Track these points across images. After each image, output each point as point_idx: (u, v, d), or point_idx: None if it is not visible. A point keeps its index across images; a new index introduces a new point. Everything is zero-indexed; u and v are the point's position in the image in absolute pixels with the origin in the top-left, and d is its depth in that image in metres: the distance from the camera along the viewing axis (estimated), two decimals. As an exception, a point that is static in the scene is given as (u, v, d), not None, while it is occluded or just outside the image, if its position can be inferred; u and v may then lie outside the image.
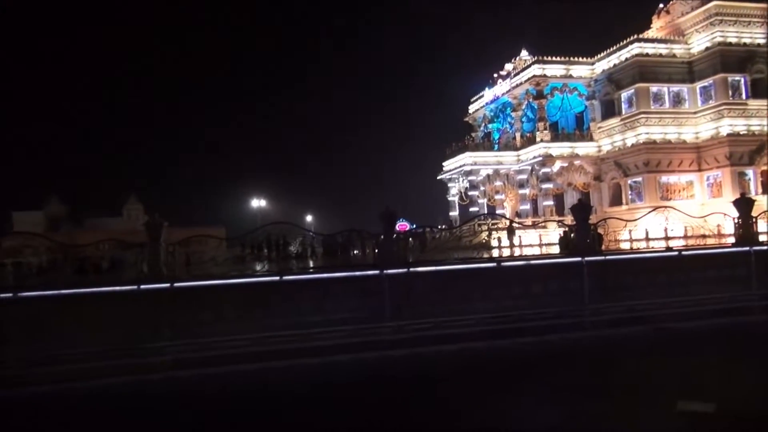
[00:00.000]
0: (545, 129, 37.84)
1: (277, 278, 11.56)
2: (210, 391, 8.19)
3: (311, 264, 21.41)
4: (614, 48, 35.86)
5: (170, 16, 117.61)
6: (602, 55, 36.89)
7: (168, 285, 10.46)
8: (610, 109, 36.63)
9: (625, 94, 35.18)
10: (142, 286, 10.40)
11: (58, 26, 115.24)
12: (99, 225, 69.70)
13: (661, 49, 34.47)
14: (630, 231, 22.50)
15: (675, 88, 34.28)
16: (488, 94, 44.46)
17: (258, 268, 20.14)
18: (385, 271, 11.49)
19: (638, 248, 21.35)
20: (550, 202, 37.64)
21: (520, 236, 27.89)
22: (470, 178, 40.94)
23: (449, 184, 44.48)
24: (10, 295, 10.17)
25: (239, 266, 20.82)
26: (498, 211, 41.41)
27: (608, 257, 13.75)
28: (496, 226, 30.71)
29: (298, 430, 6.37)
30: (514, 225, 27.21)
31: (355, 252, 23.60)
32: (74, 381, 8.54)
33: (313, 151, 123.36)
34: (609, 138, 36.63)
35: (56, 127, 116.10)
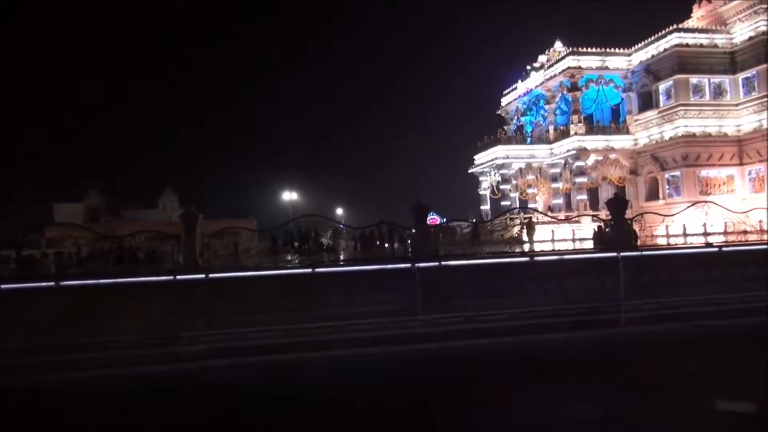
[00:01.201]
0: (579, 122, 37.17)
1: (309, 270, 11.63)
2: (244, 380, 8.35)
3: (342, 256, 21.53)
4: (652, 38, 34.93)
5: (204, 11, 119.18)
6: (640, 45, 35.98)
7: (203, 276, 10.64)
8: (647, 102, 35.74)
9: (663, 86, 34.27)
10: (178, 277, 10.61)
11: (97, 20, 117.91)
12: (136, 217, 71.39)
13: (702, 39, 33.43)
14: (667, 226, 21.98)
15: (716, 79, 33.22)
16: (521, 86, 43.86)
17: (289, 259, 20.39)
18: (416, 265, 11.48)
19: (675, 244, 20.85)
20: (584, 197, 37.00)
21: (552, 230, 27.56)
22: (502, 171, 40.51)
23: (480, 178, 44.13)
24: (53, 283, 10.52)
25: (271, 258, 21.10)
26: (530, 205, 40.88)
27: (645, 253, 13.44)
28: (527, 221, 30.36)
29: (330, 420, 6.44)
30: (534, 220, 26.85)
31: (386, 245, 23.65)
32: (113, 368, 8.83)
33: (343, 144, 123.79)
34: (646, 131, 35.77)
35: (94, 121, 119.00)
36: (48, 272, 17.58)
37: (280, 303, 10.77)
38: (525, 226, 24.73)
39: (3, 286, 10.95)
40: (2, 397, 7.87)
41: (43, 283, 10.80)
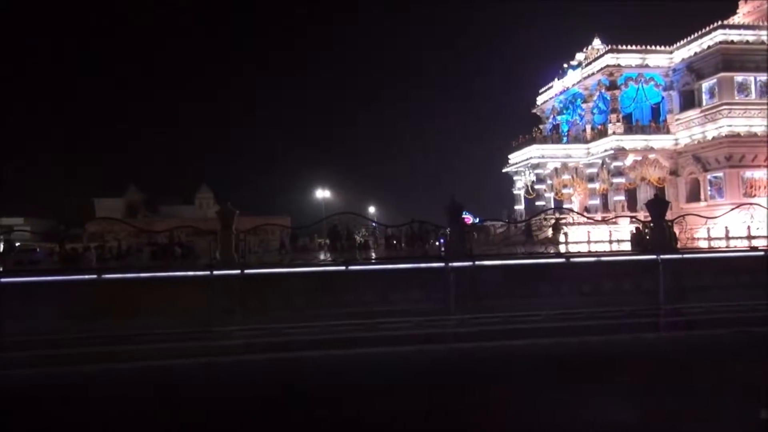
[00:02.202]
0: (618, 121, 36.33)
1: (343, 268, 11.69)
2: (278, 376, 8.45)
3: (374, 254, 21.56)
4: (695, 35, 33.92)
5: (245, 10, 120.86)
6: (682, 43, 34.98)
7: (239, 271, 10.79)
8: (689, 100, 34.73)
9: (706, 84, 33.25)
10: (215, 272, 10.78)
11: (138, 19, 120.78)
12: (172, 212, 73.00)
13: (748, 35, 32.29)
14: (708, 229, 21.32)
15: (763, 77, 32.03)
16: (557, 85, 43.14)
17: (322, 257, 20.52)
18: (450, 264, 11.41)
19: (718, 247, 20.22)
20: (622, 197, 36.18)
21: (588, 231, 27.06)
22: (537, 171, 39.94)
23: (515, 178, 43.58)
24: (95, 276, 10.81)
25: (305, 255, 21.27)
26: (565, 206, 40.21)
27: (686, 255, 13.08)
28: (563, 221, 29.86)
29: (362, 418, 6.45)
30: (561, 221, 26.34)
31: (417, 243, 23.58)
32: (152, 360, 9.04)
33: (377, 142, 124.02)
34: (687, 131, 34.76)
35: (135, 119, 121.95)
36: (89, 265, 18.07)
37: (314, 300, 10.86)
38: (551, 228, 24.31)
39: (48, 278, 11.35)
40: (48, 385, 8.15)
41: (86, 276, 11.12)
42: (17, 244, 30.48)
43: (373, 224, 21.73)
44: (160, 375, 8.53)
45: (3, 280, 10.65)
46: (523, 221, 24.49)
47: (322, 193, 58.68)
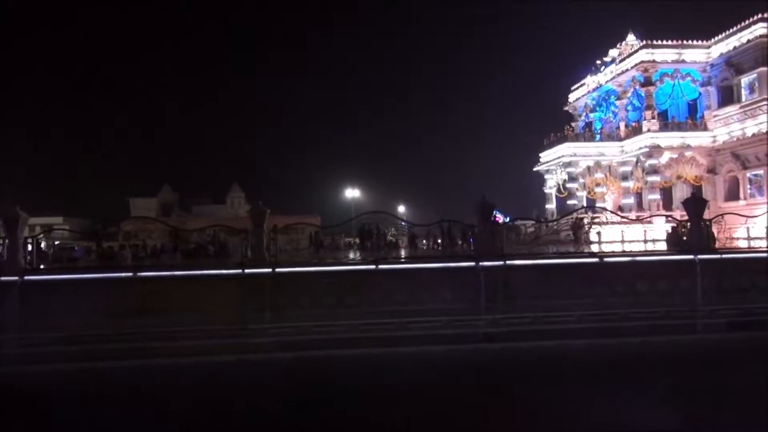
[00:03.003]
0: (653, 118, 35.52)
1: (373, 267, 11.69)
2: (310, 374, 8.52)
3: (403, 253, 21.53)
4: (734, 29, 32.92)
5: (267, 10, 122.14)
6: (720, 37, 34.00)
7: (270, 270, 10.89)
8: (728, 96, 33.75)
9: (746, 80, 32.25)
10: (246, 270, 10.90)
11: (171, 22, 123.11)
12: (205, 212, 74.21)
13: (790, 28, 31.21)
14: (748, 228, 20.66)
15: (805, 71, 30.95)
16: (590, 81, 42.41)
17: (351, 256, 20.58)
18: (480, 263, 11.32)
19: (758, 247, 19.57)
20: (657, 196, 35.36)
21: (622, 231, 26.49)
22: (569, 169, 39.34)
23: (546, 176, 43.00)
24: (131, 274, 11.05)
25: (334, 254, 21.38)
26: (598, 205, 39.50)
27: (724, 255, 12.69)
28: (596, 220, 29.32)
29: (393, 417, 6.44)
30: (584, 221, 25.74)
31: (445, 243, 23.45)
32: (186, 357, 9.22)
33: (406, 141, 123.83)
34: (726, 127, 33.78)
35: (168, 120, 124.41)
36: (125, 263, 18.48)
37: (344, 298, 10.90)
38: (572, 228, 23.72)
39: (86, 276, 11.65)
40: (89, 379, 8.39)
41: (122, 274, 11.38)
42: (56, 242, 31.42)
43: (403, 223, 21.66)
44: (195, 371, 8.70)
45: (44, 277, 10.98)
46: (554, 220, 24.12)
47: (352, 193, 58.93)
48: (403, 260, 15.07)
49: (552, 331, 10.31)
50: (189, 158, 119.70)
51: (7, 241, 10.75)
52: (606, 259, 12.51)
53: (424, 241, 24.52)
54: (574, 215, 26.99)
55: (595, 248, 21.45)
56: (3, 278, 10.29)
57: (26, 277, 10.38)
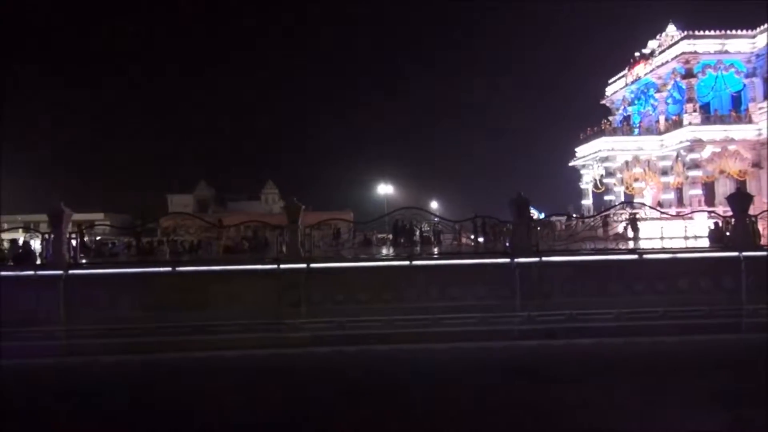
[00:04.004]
0: (695, 111, 34.47)
1: (407, 263, 11.68)
2: (345, 368, 8.58)
3: (436, 250, 21.42)
4: (781, 17, 31.69)
5: (302, 10, 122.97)
6: (766, 26, 32.78)
7: (305, 265, 10.99)
8: (774, 87, 32.55)
9: (794, 70, 31.03)
10: (282, 266, 11.02)
11: (215, 23, 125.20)
12: (240, 208, 75.34)
13: (842, 15, 29.88)
14: (796, 225, 19.88)
15: None
16: (628, 74, 41.41)
17: (384, 252, 20.59)
18: (515, 260, 11.19)
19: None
20: (698, 191, 34.34)
21: (661, 227, 25.80)
22: (606, 164, 38.52)
23: (582, 171, 42.22)
24: (170, 269, 11.30)
25: (368, 250, 21.43)
26: (636, 200, 38.62)
27: (772, 253, 12.22)
28: (634, 216, 28.64)
29: (430, 412, 6.43)
30: (638, 216, 25.11)
31: (480, 239, 23.22)
32: (224, 350, 9.39)
33: (439, 137, 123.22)
34: (772, 120, 32.60)
35: (205, 118, 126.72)
36: (164, 258, 18.90)
37: (378, 294, 10.91)
38: (629, 222, 23.16)
39: (127, 270, 11.96)
40: (133, 371, 8.64)
41: (161, 269, 11.64)
42: (98, 237, 32.36)
43: (436, 219, 21.55)
44: (233, 364, 8.86)
45: (86, 271, 11.32)
46: (591, 216, 23.66)
47: (385, 189, 58.98)
48: (436, 256, 14.99)
49: (589, 329, 10.15)
50: (224, 155, 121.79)
51: (52, 236, 11.10)
52: (645, 256, 12.20)
53: (460, 239, 24.34)
54: (612, 211, 26.43)
55: (632, 244, 20.95)
56: (48, 272, 10.64)
57: (70, 272, 10.70)
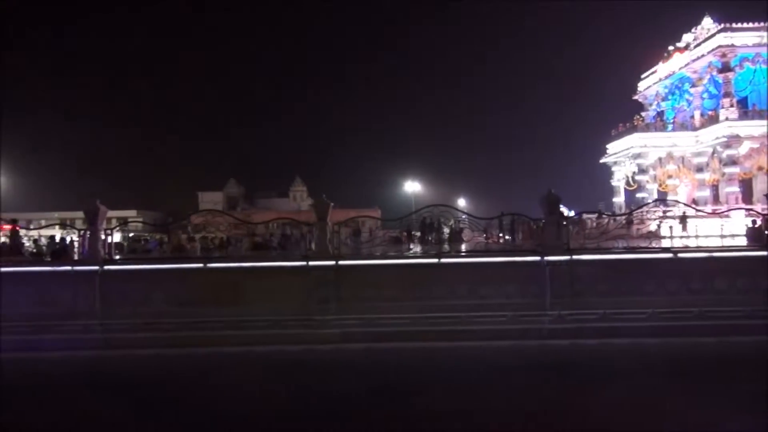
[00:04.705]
0: (731, 106, 33.60)
1: (435, 260, 11.63)
2: (375, 365, 8.60)
3: (464, 247, 21.32)
4: (824, 8, 30.63)
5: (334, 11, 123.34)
6: (808, 18, 31.73)
7: (333, 262, 11.03)
8: (816, 81, 31.49)
9: (837, 63, 29.99)
10: (311, 263, 11.09)
11: (247, 21, 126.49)
12: (268, 205, 76.21)
13: None
14: (839, 223, 19.18)
15: None
16: (662, 69, 40.53)
17: (412, 249, 20.54)
18: (545, 258, 11.05)
19: None
20: (735, 188, 33.49)
21: (696, 225, 25.20)
22: (639, 161, 37.83)
23: (614, 168, 41.58)
24: (201, 265, 11.47)
25: (396, 247, 21.41)
26: (670, 198, 37.81)
27: (814, 252, 11.81)
28: (667, 214, 28.03)
29: (460, 411, 6.39)
30: (687, 213, 24.60)
31: (507, 237, 23.01)
32: (255, 346, 9.51)
33: (468, 133, 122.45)
34: (814, 114, 31.55)
35: (235, 116, 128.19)
36: (195, 255, 19.20)
37: (407, 292, 10.89)
38: (680, 219, 22.71)
39: (160, 266, 12.18)
40: (168, 365, 8.82)
41: (193, 265, 11.82)
42: (131, 234, 33.10)
43: (464, 216, 21.46)
44: (264, 359, 8.98)
45: (121, 267, 11.56)
46: (624, 214, 23.24)
47: (412, 186, 58.95)
48: (464, 254, 14.89)
49: (622, 329, 9.96)
50: (254, 153, 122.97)
51: (88, 232, 11.36)
52: (680, 255, 11.92)
53: (487, 236, 24.17)
54: (645, 208, 25.93)
55: (666, 243, 20.52)
56: (85, 267, 10.91)
57: (106, 267, 10.95)
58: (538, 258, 11.16)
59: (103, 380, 8.13)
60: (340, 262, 11.09)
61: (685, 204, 26.99)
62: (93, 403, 6.96)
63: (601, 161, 42.32)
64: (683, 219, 22.27)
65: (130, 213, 61.55)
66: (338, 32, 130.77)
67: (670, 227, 24.75)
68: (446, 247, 18.15)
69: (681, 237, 21.33)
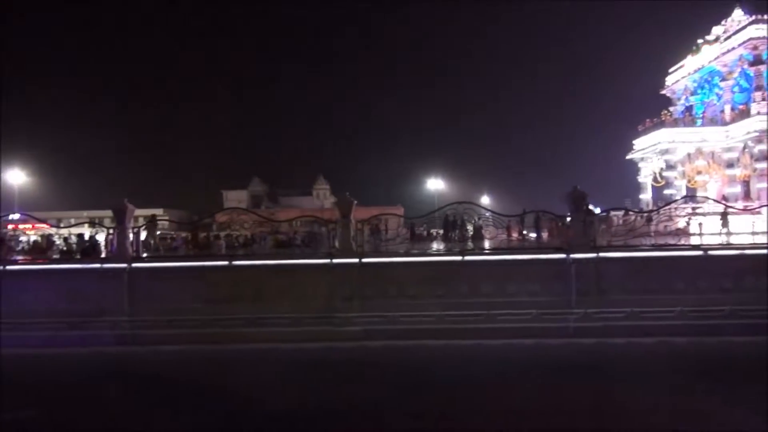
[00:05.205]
0: (763, 100, 32.67)
1: (459, 258, 11.56)
2: (398, 362, 8.59)
3: (487, 245, 21.15)
4: None
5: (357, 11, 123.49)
6: (844, 8, 30.73)
7: (357, 260, 11.04)
8: None
9: None
10: (335, 261, 11.11)
11: (279, 23, 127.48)
12: (292, 203, 76.66)
13: None
14: None
15: None
16: (691, 62, 39.61)
17: (435, 247, 20.45)
18: (571, 255, 10.90)
19: None
20: (766, 185, 32.59)
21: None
22: (666, 157, 37.04)
23: (640, 165, 40.76)
24: (227, 263, 11.59)
25: (419, 245, 21.34)
26: (699, 194, 36.99)
27: None
28: (696, 211, 27.43)
29: (481, 409, 6.35)
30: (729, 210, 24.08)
31: (531, 235, 22.74)
32: (279, 343, 9.58)
33: (492, 129, 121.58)
34: None
35: (257, 115, 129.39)
36: (220, 253, 19.39)
37: (430, 289, 10.85)
38: (721, 216, 22.26)
39: (186, 264, 12.34)
40: (193, 361, 8.93)
41: (218, 263, 11.95)
42: (158, 232, 33.51)
43: (487, 214, 21.28)
44: (288, 356, 9.04)
45: (148, 264, 11.73)
46: (651, 210, 22.81)
47: (435, 183, 58.76)
48: (488, 251, 14.77)
49: (650, 328, 9.78)
50: (277, 151, 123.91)
51: (116, 231, 11.55)
52: (710, 253, 11.65)
53: (509, 233, 23.92)
54: (673, 205, 25.45)
55: (695, 240, 20.11)
56: (113, 265, 11.09)
57: (133, 265, 11.12)
58: (563, 255, 11.03)
59: (131, 376, 8.27)
60: (364, 260, 11.09)
61: (715, 200, 26.43)
62: (122, 398, 7.08)
63: (628, 157, 41.55)
64: (724, 215, 21.77)
65: (156, 211, 62.45)
66: (363, 30, 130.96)
67: (700, 224, 24.24)
68: (470, 244, 18.05)
69: (721, 233, 20.85)
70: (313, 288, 10.84)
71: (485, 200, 57.30)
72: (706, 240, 20.24)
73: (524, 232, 23.23)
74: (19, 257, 13.98)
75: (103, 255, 13.44)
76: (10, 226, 16.83)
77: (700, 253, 11.40)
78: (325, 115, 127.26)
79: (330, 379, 7.80)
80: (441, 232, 24.36)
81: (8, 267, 11.47)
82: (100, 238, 16.27)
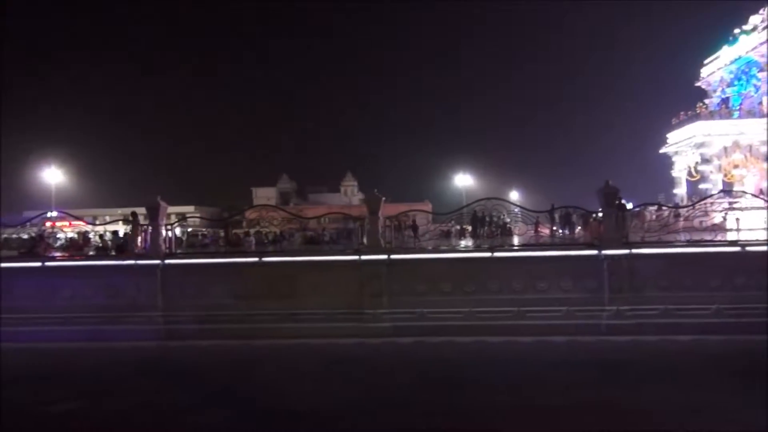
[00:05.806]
0: (803, 90, 31.67)
1: (489, 254, 11.48)
2: (427, 359, 8.60)
3: (517, 240, 20.96)
4: None
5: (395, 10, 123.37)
6: None
7: (386, 256, 11.06)
8: None
9: None
10: (363, 257, 11.16)
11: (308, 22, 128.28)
12: (320, 200, 77.23)
13: None
14: None
15: None
16: (727, 53, 38.58)
17: (463, 243, 20.37)
18: (603, 252, 10.73)
19: None
20: (808, 178, 31.59)
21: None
22: (702, 150, 36.21)
23: (675, 158, 39.95)
24: (257, 259, 11.75)
25: (447, 241, 21.30)
26: (737, 188, 36.02)
27: None
28: (733, 206, 26.72)
29: (512, 407, 6.31)
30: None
31: (563, 231, 22.47)
32: (310, 338, 9.69)
33: (519, 126, 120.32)
34: None
35: (286, 113, 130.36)
36: (250, 249, 19.66)
37: (459, 286, 10.81)
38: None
39: (217, 260, 12.55)
40: (228, 355, 9.10)
41: (249, 259, 12.12)
42: (189, 229, 34.20)
43: (516, 210, 21.10)
44: (319, 352, 9.14)
45: (181, 261, 11.96)
46: (687, 206, 22.31)
47: (463, 179, 58.50)
48: (518, 248, 14.63)
49: (685, 325, 9.58)
50: (305, 149, 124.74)
51: (150, 228, 11.80)
52: (749, 249, 11.33)
53: (537, 229, 23.67)
54: (709, 200, 24.83)
55: (732, 236, 19.57)
56: (147, 261, 11.34)
57: (166, 261, 11.35)
58: (595, 252, 10.87)
59: (170, 369, 8.47)
60: (392, 256, 11.11)
61: (753, 195, 25.68)
62: (161, 391, 7.26)
63: (661, 151, 40.74)
64: None
65: (188, 209, 63.58)
66: (388, 27, 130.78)
67: (737, 219, 23.59)
68: (499, 240, 17.94)
69: (730, 230, 20.23)
70: (342, 284, 10.91)
71: (514, 196, 56.81)
72: (744, 236, 19.72)
73: (554, 228, 22.98)
74: (57, 254, 14.42)
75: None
76: (48, 224, 17.33)
77: (737, 249, 11.09)
78: (353, 112, 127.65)
79: (360, 375, 7.86)
80: (469, 228, 24.27)
81: (47, 263, 11.82)
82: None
